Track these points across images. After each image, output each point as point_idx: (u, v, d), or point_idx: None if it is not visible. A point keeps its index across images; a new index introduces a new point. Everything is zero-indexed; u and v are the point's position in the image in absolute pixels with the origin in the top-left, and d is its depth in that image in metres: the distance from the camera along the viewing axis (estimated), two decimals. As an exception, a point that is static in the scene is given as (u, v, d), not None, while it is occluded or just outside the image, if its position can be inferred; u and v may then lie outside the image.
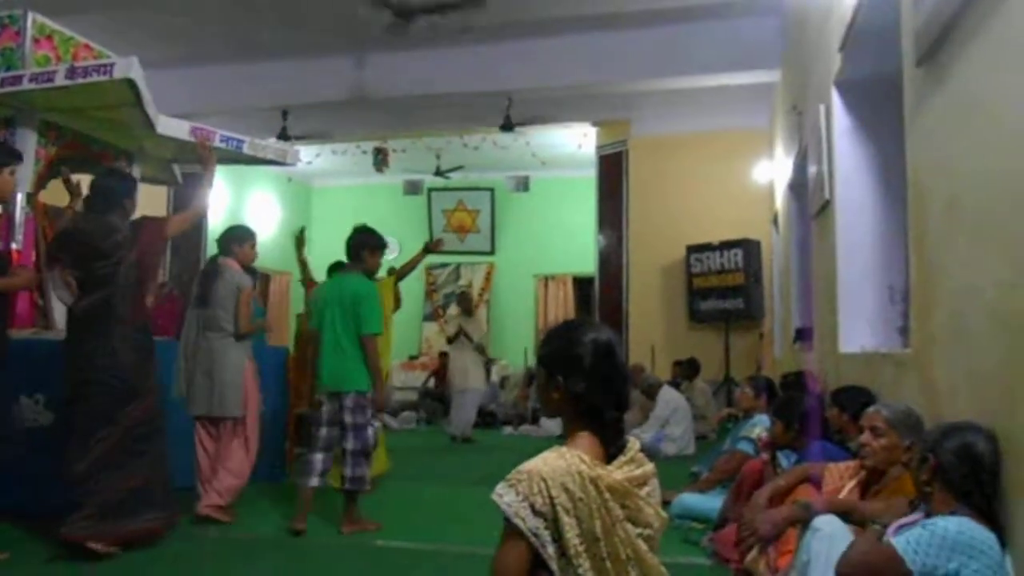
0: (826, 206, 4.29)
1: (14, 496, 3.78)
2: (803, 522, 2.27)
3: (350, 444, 3.82)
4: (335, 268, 5.27)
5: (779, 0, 6.37)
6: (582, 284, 12.13)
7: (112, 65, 3.85)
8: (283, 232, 11.33)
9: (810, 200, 4.90)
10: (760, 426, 3.82)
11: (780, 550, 2.61)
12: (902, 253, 3.95)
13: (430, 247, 5.99)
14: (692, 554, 3.39)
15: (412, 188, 12.41)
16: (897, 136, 3.93)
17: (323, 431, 3.87)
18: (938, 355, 2.36)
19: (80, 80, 3.83)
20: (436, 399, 9.89)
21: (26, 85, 3.92)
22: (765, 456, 3.38)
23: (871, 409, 2.46)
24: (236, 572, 3.26)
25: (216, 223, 10.16)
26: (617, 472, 1.48)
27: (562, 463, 1.44)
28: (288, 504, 4.18)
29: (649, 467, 1.55)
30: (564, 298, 12.42)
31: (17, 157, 3.57)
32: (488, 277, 12.67)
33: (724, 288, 8.42)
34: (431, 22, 6.04)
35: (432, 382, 10.28)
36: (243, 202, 11.16)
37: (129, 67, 3.82)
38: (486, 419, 9.02)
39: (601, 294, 9.40)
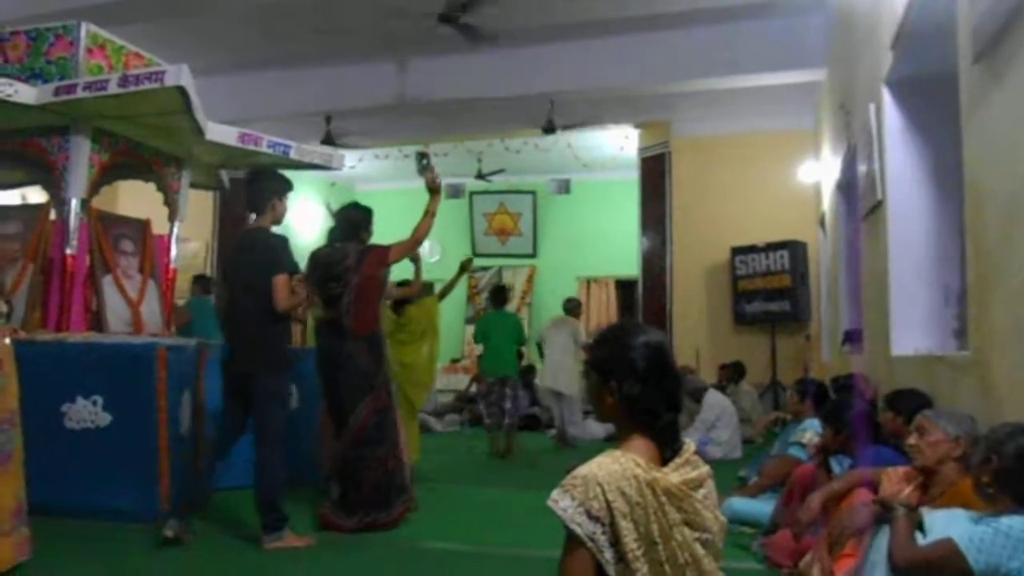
0: (877, 206, 4.19)
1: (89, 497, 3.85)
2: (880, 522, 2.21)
3: None
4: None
5: (824, -3, 6.25)
6: (625, 287, 12.04)
7: (163, 73, 3.95)
8: (323, 233, 11.44)
9: (860, 200, 4.78)
10: (811, 430, 3.73)
11: (835, 555, 2.55)
12: (957, 254, 3.84)
13: (465, 266, 6.06)
14: (744, 559, 3.32)
15: (453, 191, 12.45)
16: (950, 134, 3.82)
17: None
18: (998, 357, 2.28)
19: (132, 88, 3.93)
20: (476, 402, 9.89)
21: (80, 94, 4.05)
22: (816, 461, 3.30)
23: (919, 415, 2.41)
24: (282, 569, 3.30)
25: (262, 228, 10.40)
26: (673, 475, 1.46)
27: (617, 467, 1.42)
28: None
29: (705, 469, 1.52)
30: (607, 300, 12.34)
31: (291, 186, 3.86)
32: (530, 280, 12.65)
33: (770, 290, 8.27)
34: (472, 21, 6.05)
35: (474, 387, 10.28)
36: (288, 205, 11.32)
37: (180, 74, 3.92)
38: (529, 422, 8.99)
39: (645, 297, 9.32)
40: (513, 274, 12.74)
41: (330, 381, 3.95)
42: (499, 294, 7.37)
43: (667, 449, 1.51)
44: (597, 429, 8.14)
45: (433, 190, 4.10)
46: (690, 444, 1.55)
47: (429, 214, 4.07)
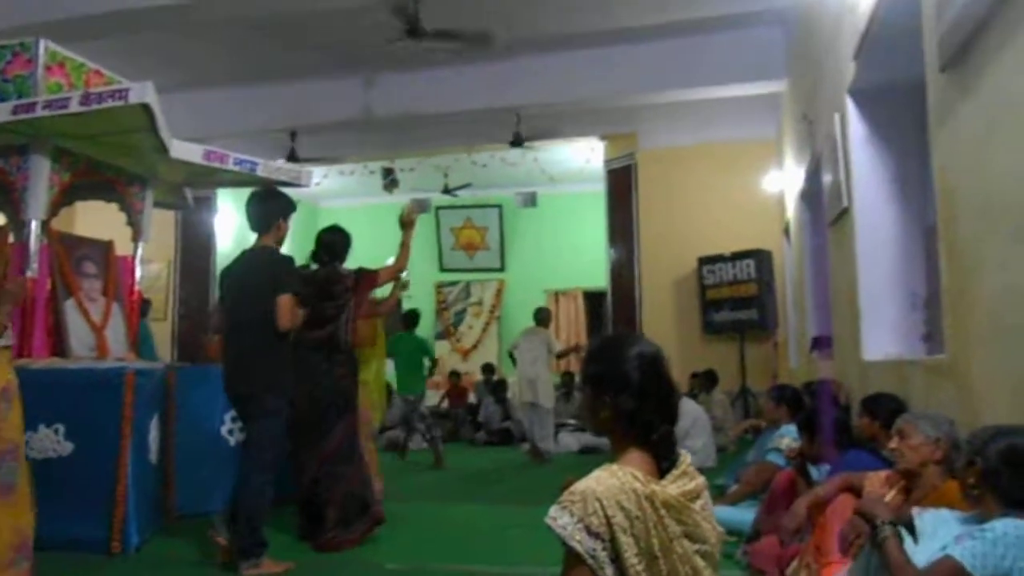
0: (843, 214, 4.27)
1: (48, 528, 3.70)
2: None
3: None
4: None
5: (784, 11, 6.39)
6: (593, 298, 12.11)
7: (127, 91, 3.85)
8: (291, 252, 11.30)
9: (826, 208, 4.88)
10: (788, 436, 3.76)
11: (821, 561, 2.57)
12: (922, 259, 3.93)
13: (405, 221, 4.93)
14: (727, 567, 3.33)
15: (420, 207, 12.40)
16: (914, 142, 3.94)
17: None
18: (977, 359, 2.32)
19: (95, 106, 3.83)
20: (449, 418, 9.83)
21: (41, 112, 3.92)
22: (795, 467, 3.32)
23: (899, 419, 2.44)
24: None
25: (225, 246, 10.21)
26: (671, 487, 1.45)
27: (615, 481, 1.40)
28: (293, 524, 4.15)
29: (701, 480, 1.51)
30: (575, 312, 12.39)
31: (295, 207, 3.92)
32: (498, 294, 12.65)
33: (737, 299, 8.38)
34: (438, 47, 6.05)
35: (446, 402, 10.21)
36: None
37: (144, 92, 3.83)
38: (502, 437, 8.95)
39: (614, 307, 9.37)
40: (482, 288, 12.73)
41: (310, 399, 3.93)
42: (409, 317, 7.66)
43: (664, 461, 1.50)
44: (571, 442, 8.14)
45: (405, 224, 4.35)
46: (686, 455, 1.55)
47: (404, 247, 4.33)
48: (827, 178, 4.72)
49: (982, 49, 2.12)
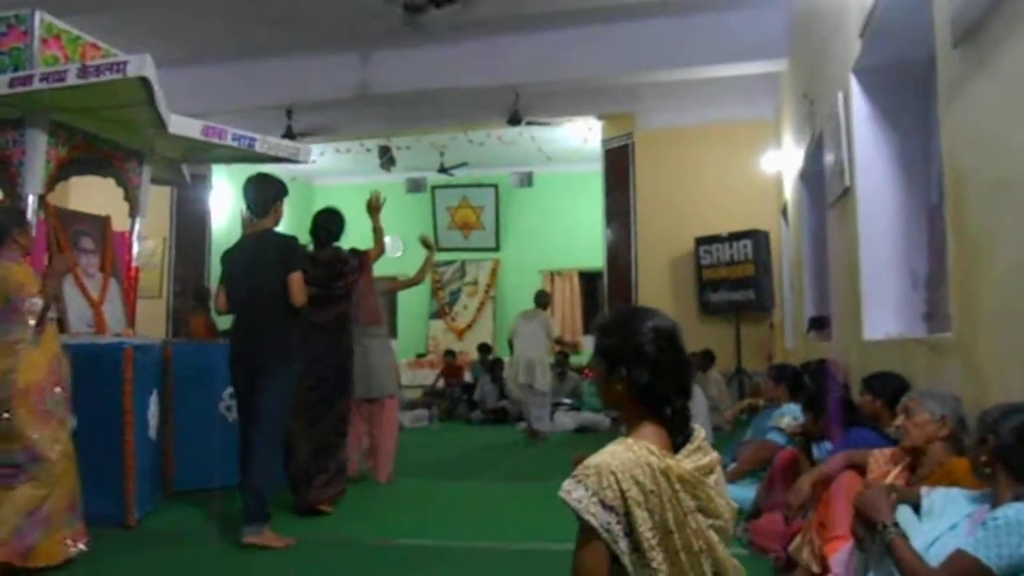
0: (846, 193, 4.26)
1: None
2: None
3: None
4: None
5: (786, -11, 6.35)
6: (589, 278, 12.11)
7: (125, 63, 3.79)
8: (287, 230, 11.26)
9: (827, 188, 4.87)
10: (788, 415, 3.78)
11: (825, 537, 2.59)
12: (925, 238, 3.94)
13: (428, 245, 5.70)
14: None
15: (415, 186, 12.36)
16: (919, 120, 3.93)
17: None
18: (984, 339, 2.33)
19: (93, 79, 3.76)
20: (444, 397, 9.86)
21: (37, 85, 3.85)
22: (798, 445, 3.34)
23: (905, 396, 2.45)
24: (257, 570, 3.22)
25: (220, 224, 10.14)
26: (686, 461, 1.45)
27: (630, 455, 1.40)
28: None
29: (715, 455, 1.51)
30: (570, 293, 12.39)
31: (287, 190, 4.03)
32: (494, 273, 12.63)
33: (734, 279, 8.39)
34: (439, 14, 5.97)
35: (441, 382, 10.23)
36: (246, 203, 11.08)
37: (143, 65, 3.76)
38: (498, 416, 8.97)
39: (611, 288, 9.37)
40: (477, 268, 12.70)
41: (315, 378, 4.13)
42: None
43: (678, 435, 1.50)
44: (567, 421, 8.18)
45: (373, 210, 4.84)
46: (700, 430, 1.54)
47: (378, 231, 4.79)
48: (829, 158, 4.71)
49: (998, 24, 2.10)
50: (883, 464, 2.52)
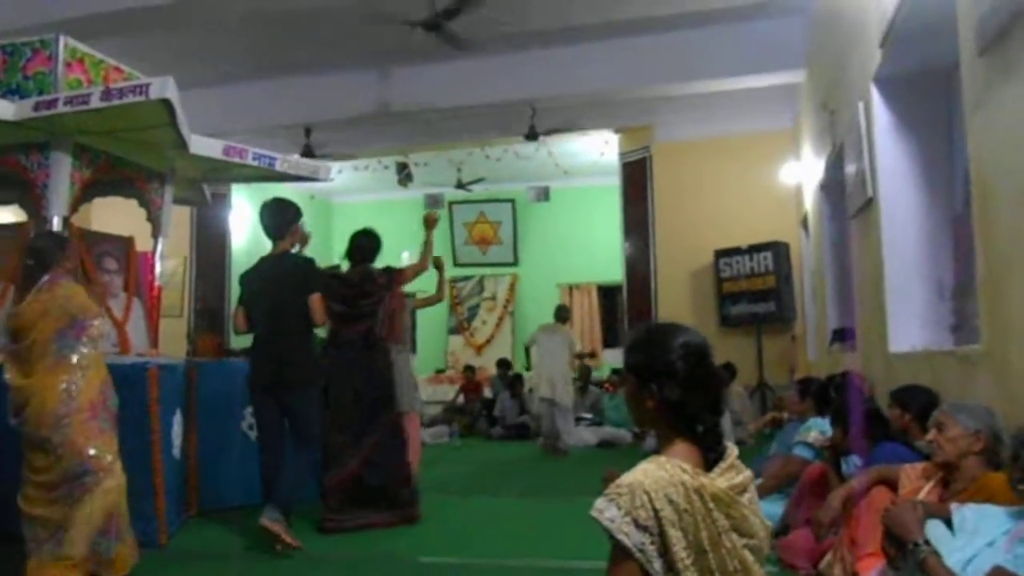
0: (868, 204, 4.22)
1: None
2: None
3: None
4: None
5: (803, 0, 6.32)
6: (607, 292, 12.07)
7: (148, 86, 3.84)
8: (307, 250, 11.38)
9: (849, 199, 4.82)
10: (815, 430, 3.72)
11: (856, 554, 2.53)
12: (950, 249, 3.88)
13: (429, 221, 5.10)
14: (754, 563, 3.30)
15: (433, 202, 12.40)
16: (941, 129, 3.88)
17: None
18: (1017, 348, 2.28)
19: (116, 101, 3.82)
20: (464, 413, 9.83)
21: (62, 108, 3.92)
22: (827, 460, 3.28)
23: (937, 411, 2.40)
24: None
25: (240, 243, 10.24)
26: (720, 480, 1.42)
27: (663, 474, 1.38)
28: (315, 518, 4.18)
29: (748, 473, 1.49)
30: (589, 307, 12.35)
31: (302, 213, 4.19)
32: (512, 288, 12.62)
33: (754, 292, 8.32)
34: (459, 27, 6.02)
35: (461, 398, 10.21)
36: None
37: (165, 87, 3.81)
38: (519, 431, 8.93)
39: (630, 301, 9.33)
40: (495, 283, 12.70)
41: (353, 392, 4.23)
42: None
43: (711, 452, 1.47)
44: (588, 436, 8.12)
45: (428, 223, 4.82)
46: (733, 448, 1.52)
47: (428, 244, 4.76)
48: (850, 168, 4.66)
49: (1024, 31, 2.07)
50: (915, 479, 2.47)
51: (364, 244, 4.54)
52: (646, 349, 1.52)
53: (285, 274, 3.91)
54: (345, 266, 4.67)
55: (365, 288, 4.39)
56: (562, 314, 7.97)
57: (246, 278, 4.05)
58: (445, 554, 3.67)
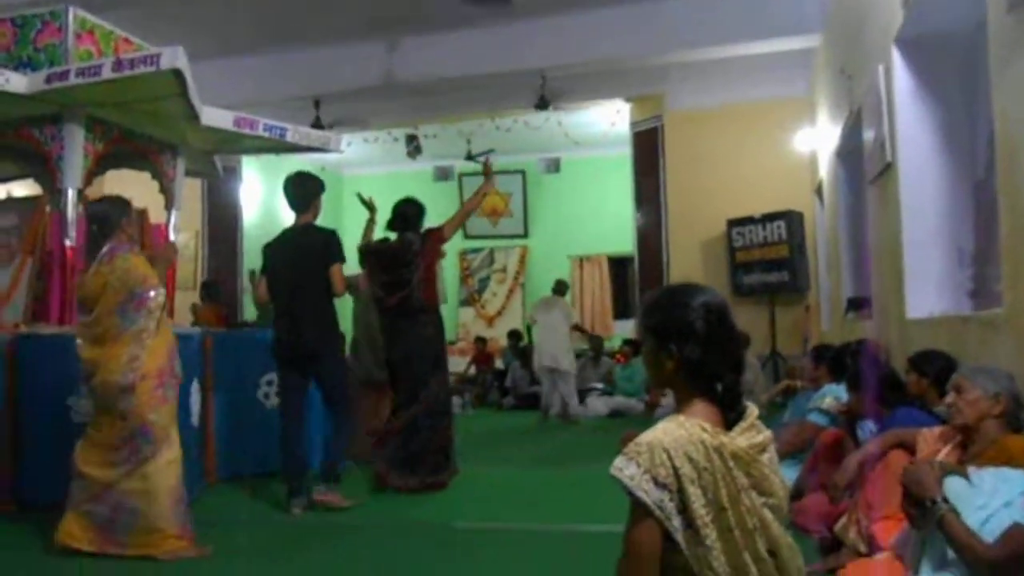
0: (887, 169, 4.16)
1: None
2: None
3: None
4: None
5: (820, -39, 6.19)
6: (618, 263, 12.02)
7: (159, 56, 3.83)
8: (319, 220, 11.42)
9: (866, 165, 4.76)
10: (830, 396, 3.72)
11: (872, 517, 2.54)
12: (970, 214, 3.83)
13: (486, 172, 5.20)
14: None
15: (442, 174, 12.36)
16: (963, 92, 3.81)
17: None
18: (1039, 313, 2.25)
19: (127, 72, 3.81)
20: (476, 383, 9.89)
21: (73, 80, 3.91)
22: (843, 426, 3.28)
23: (955, 374, 2.39)
24: (313, 555, 3.26)
25: (251, 216, 10.25)
26: (740, 439, 1.42)
27: (683, 432, 1.38)
28: (355, 485, 4.26)
29: (768, 433, 1.49)
30: (600, 278, 12.31)
31: (324, 185, 4.33)
32: (522, 260, 12.60)
33: (767, 261, 8.26)
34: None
35: (472, 369, 10.26)
36: (276, 194, 11.16)
37: (175, 57, 3.80)
38: (530, 401, 8.98)
39: (642, 272, 9.29)
40: (505, 255, 12.68)
41: (402, 358, 4.40)
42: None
43: (731, 411, 1.47)
44: (599, 406, 8.16)
45: (487, 173, 4.98)
46: (753, 408, 1.51)
47: (481, 193, 4.87)
48: (869, 133, 4.60)
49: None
50: (932, 443, 2.47)
51: (406, 212, 4.58)
52: (665, 309, 1.51)
53: (308, 245, 4.01)
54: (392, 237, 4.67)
55: (403, 258, 4.46)
56: (560, 287, 8.21)
57: (268, 249, 4.14)
58: (474, 519, 3.75)
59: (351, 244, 4.52)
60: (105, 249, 3.21)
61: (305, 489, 3.86)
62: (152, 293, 3.18)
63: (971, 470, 2.08)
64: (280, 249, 4.09)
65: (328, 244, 4.01)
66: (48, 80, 3.95)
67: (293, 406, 3.97)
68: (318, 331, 3.95)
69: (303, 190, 4.14)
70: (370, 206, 4.94)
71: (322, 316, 3.98)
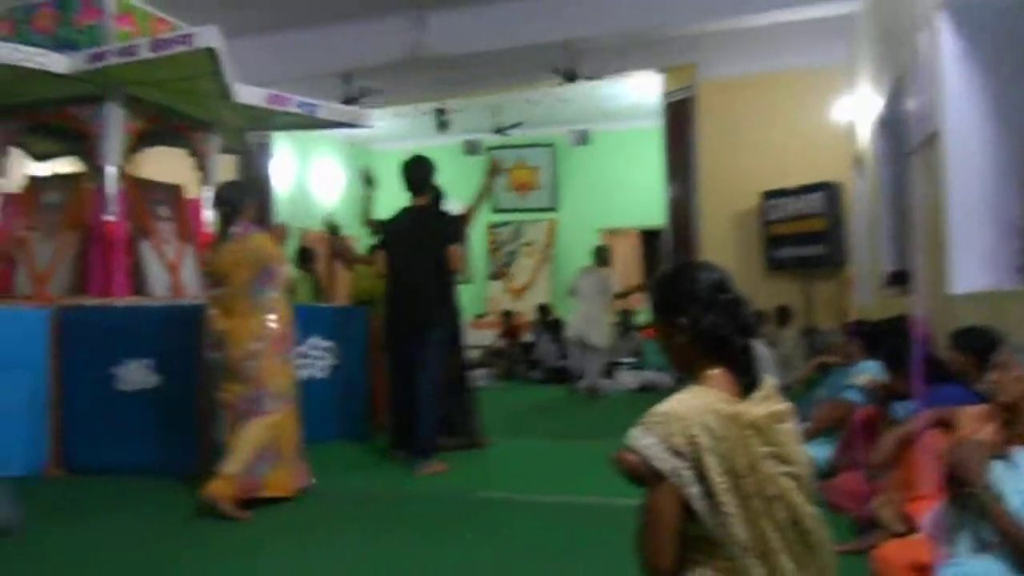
0: (932, 138, 4.04)
1: (142, 455, 4.00)
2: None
3: None
4: None
5: (862, -77, 5.98)
6: (648, 237, 11.91)
7: (191, 35, 3.87)
8: (349, 195, 11.51)
9: (910, 134, 4.63)
10: (866, 373, 3.66)
11: (908, 496, 2.52)
12: (1019, 186, 3.72)
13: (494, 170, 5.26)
14: (803, 504, 3.30)
15: (472, 148, 12.31)
16: (1013, 58, 3.68)
17: None
18: (1093, 289, 2.19)
19: (164, 52, 3.86)
20: (503, 356, 9.94)
21: (113, 60, 3.97)
22: (879, 403, 3.24)
23: (999, 351, 2.34)
24: (340, 526, 3.32)
25: (282, 191, 10.32)
26: (756, 407, 1.42)
27: (699, 401, 1.39)
28: (375, 461, 4.34)
29: (788, 404, 1.48)
30: (630, 252, 12.22)
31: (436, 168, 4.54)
32: (550, 233, 12.56)
33: (803, 234, 8.13)
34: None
35: (500, 342, 10.30)
36: (308, 168, 11.28)
37: (210, 36, 3.85)
38: (559, 375, 9.01)
39: (674, 245, 9.20)
40: (534, 228, 12.64)
41: (424, 325, 4.40)
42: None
43: (745, 379, 1.47)
44: (629, 380, 8.14)
45: (491, 172, 5.01)
46: (769, 379, 1.51)
47: (483, 194, 4.93)
48: (912, 101, 4.47)
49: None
50: (974, 421, 2.41)
51: (421, 172, 4.47)
52: (666, 285, 1.55)
53: (427, 225, 4.30)
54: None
55: (443, 231, 4.42)
56: (602, 255, 7.89)
57: (387, 226, 4.42)
58: (498, 490, 3.79)
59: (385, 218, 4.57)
60: (238, 229, 3.47)
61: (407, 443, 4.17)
62: (281, 268, 3.50)
63: (1016, 449, 2.05)
64: (398, 228, 4.37)
65: (448, 225, 4.36)
66: (88, 60, 4.01)
67: (405, 379, 4.19)
68: (433, 304, 4.21)
69: (419, 174, 4.39)
70: (371, 181, 4.86)
71: (437, 292, 4.24)
